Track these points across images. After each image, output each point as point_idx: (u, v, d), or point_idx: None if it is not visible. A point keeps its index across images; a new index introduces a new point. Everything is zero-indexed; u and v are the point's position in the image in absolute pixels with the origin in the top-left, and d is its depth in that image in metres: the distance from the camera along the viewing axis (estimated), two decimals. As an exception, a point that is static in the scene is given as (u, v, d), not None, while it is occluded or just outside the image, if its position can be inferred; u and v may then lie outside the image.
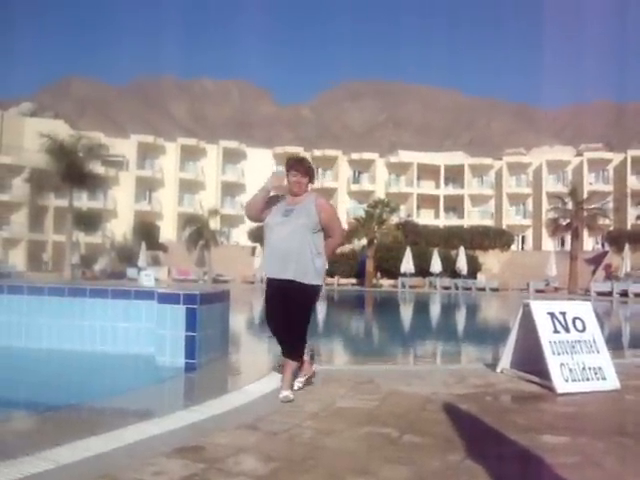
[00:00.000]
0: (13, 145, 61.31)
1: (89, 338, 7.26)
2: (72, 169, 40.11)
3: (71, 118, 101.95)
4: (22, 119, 68.19)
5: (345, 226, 60.40)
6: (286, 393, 4.84)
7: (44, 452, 3.27)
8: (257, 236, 56.01)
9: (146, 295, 6.88)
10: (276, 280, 4.97)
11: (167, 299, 6.50)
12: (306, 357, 5.31)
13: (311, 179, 5.21)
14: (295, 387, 5.07)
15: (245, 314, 19.57)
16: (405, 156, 73.22)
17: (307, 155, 70.75)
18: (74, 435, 3.62)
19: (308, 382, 5.36)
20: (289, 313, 4.94)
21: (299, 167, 5.16)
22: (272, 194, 5.16)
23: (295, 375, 5.16)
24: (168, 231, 63.12)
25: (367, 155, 73.05)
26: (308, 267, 4.88)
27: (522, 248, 67.49)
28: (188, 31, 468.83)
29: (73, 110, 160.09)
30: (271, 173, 5.34)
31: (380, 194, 63.39)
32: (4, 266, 46.90)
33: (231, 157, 69.56)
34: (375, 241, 47.87)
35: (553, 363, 5.59)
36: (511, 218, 69.10)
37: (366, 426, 4.03)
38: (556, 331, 5.83)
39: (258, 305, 26.19)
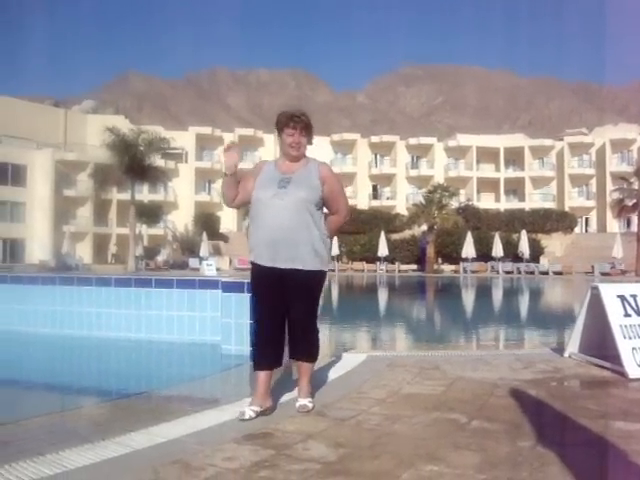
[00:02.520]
0: (77, 142, 63.02)
1: (156, 327, 7.42)
2: (133, 163, 41.02)
3: (131, 113, 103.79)
4: (84, 116, 70.07)
5: (405, 212, 60.30)
6: (304, 401, 4.03)
7: (119, 437, 3.36)
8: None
9: (210, 284, 6.98)
10: (274, 269, 3.96)
11: (231, 288, 6.57)
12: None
13: (309, 138, 4.18)
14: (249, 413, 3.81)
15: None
16: (464, 140, 72.26)
17: (364, 142, 70.59)
18: (146, 421, 3.71)
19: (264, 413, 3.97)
20: (293, 307, 4.01)
21: (296, 123, 4.04)
22: (230, 173, 4.11)
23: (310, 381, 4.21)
24: (228, 221, 63.84)
25: (425, 140, 72.36)
26: (312, 251, 3.96)
27: (586, 230, 66.05)
28: (241, 23, 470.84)
29: (132, 105, 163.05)
30: (223, 150, 4.23)
31: (439, 179, 62.78)
32: (72, 259, 48.25)
33: (288, 146, 69.70)
34: (435, 226, 47.51)
35: (624, 348, 5.44)
36: (574, 200, 67.59)
37: (434, 412, 4.00)
38: (627, 314, 5.67)
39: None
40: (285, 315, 4.07)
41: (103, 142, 42.46)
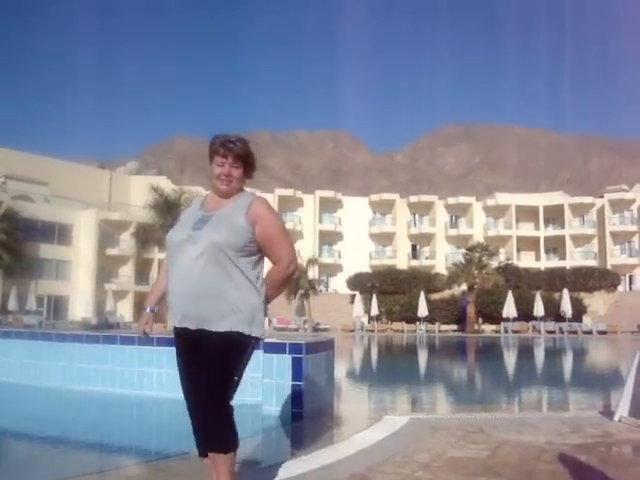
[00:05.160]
0: (121, 202, 64.55)
1: (197, 387, 7.42)
2: (175, 222, 41.70)
3: (173, 174, 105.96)
4: (128, 177, 71.98)
5: (445, 272, 60.00)
6: None
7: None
8: (356, 284, 56.11)
9: (252, 345, 6.98)
10: (187, 330, 3.19)
11: (273, 348, 6.57)
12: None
13: (248, 170, 3.35)
14: None
15: (348, 363, 19.50)
16: (502, 198, 72.08)
17: (403, 202, 70.79)
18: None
19: None
20: (196, 381, 3.18)
21: (228, 150, 3.23)
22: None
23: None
24: (267, 281, 64.08)
25: (463, 199, 72.35)
26: (232, 310, 3.12)
27: (630, 288, 64.61)
28: (282, 85, 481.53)
29: (175, 167, 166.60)
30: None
31: (478, 238, 62.56)
32: (113, 317, 48.80)
33: (328, 206, 70.35)
34: (475, 286, 47.16)
35: (676, 411, 5.28)
36: (616, 257, 66.31)
37: (480, 477, 3.91)
38: (678, 377, 5.52)
39: (359, 354, 26.13)
40: None
41: (146, 202, 43.39)
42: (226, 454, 3.16)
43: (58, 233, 56.27)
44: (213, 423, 3.15)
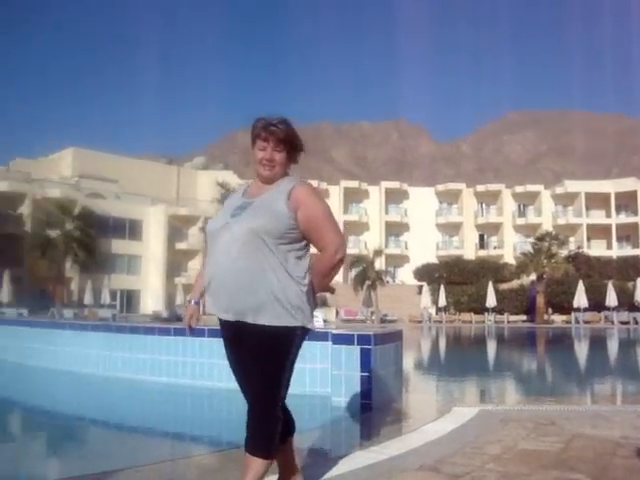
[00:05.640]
0: (188, 197, 65.77)
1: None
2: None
3: (239, 168, 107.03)
4: (195, 172, 73.22)
5: (513, 262, 58.99)
6: None
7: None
8: (423, 275, 55.78)
9: (320, 336, 7.01)
10: (228, 322, 3.03)
11: (341, 340, 6.60)
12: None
13: (292, 154, 3.15)
14: None
15: (416, 354, 19.40)
16: (571, 186, 70.36)
17: (469, 192, 69.86)
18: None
19: None
20: (247, 378, 3.08)
21: (270, 134, 3.04)
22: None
23: None
24: (335, 273, 64.34)
25: (531, 187, 70.99)
26: (273, 300, 2.90)
27: None
28: (344, 78, 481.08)
29: (240, 161, 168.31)
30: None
31: (547, 227, 61.32)
32: (183, 310, 49.75)
33: (393, 197, 70.05)
34: (545, 276, 46.27)
35: None
36: (694, 244, 64.06)
37: (553, 470, 3.85)
38: None
39: (427, 345, 25.98)
40: None
41: (213, 197, 44.00)
42: (257, 458, 2.98)
43: (129, 229, 57.82)
44: (255, 422, 3.02)
